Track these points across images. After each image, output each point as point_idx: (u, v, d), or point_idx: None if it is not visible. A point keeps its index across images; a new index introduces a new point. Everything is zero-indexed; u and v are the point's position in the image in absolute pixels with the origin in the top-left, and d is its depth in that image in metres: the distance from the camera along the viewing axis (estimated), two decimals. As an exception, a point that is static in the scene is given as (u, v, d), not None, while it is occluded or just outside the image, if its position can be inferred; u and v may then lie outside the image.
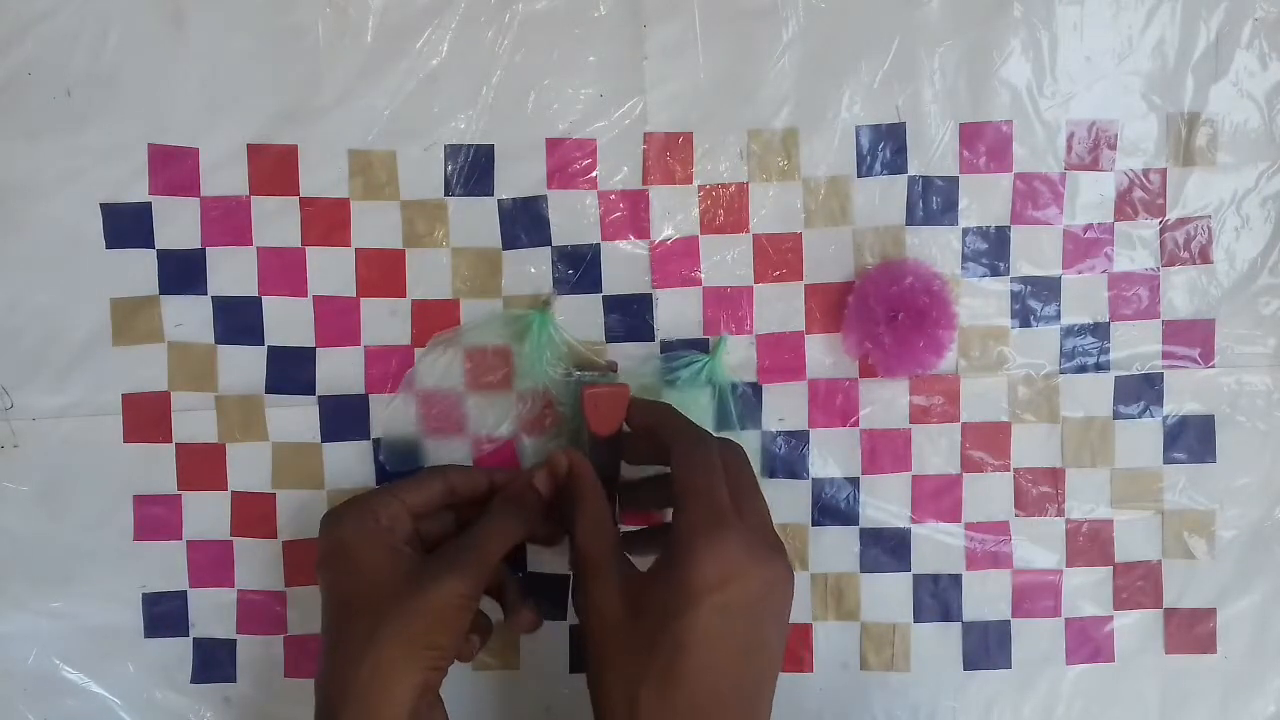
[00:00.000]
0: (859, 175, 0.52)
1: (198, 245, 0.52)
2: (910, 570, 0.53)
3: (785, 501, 0.53)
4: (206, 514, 0.53)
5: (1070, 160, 0.52)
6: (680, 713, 0.39)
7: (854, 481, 0.53)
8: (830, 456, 0.53)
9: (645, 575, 0.42)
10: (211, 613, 0.53)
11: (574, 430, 0.52)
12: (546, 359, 0.52)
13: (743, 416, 0.52)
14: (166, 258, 0.52)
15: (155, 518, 0.53)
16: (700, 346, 0.52)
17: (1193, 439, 0.53)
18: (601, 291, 0.52)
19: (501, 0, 0.51)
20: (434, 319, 0.52)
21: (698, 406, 0.52)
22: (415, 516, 0.46)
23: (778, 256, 0.52)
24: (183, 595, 0.53)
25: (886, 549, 0.53)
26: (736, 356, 0.52)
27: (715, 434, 0.47)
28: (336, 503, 0.52)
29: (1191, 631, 0.54)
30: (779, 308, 0.53)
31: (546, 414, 0.52)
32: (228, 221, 0.52)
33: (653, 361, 0.52)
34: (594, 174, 0.52)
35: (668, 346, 0.52)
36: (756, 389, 0.53)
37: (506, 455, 0.53)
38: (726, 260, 0.52)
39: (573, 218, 0.52)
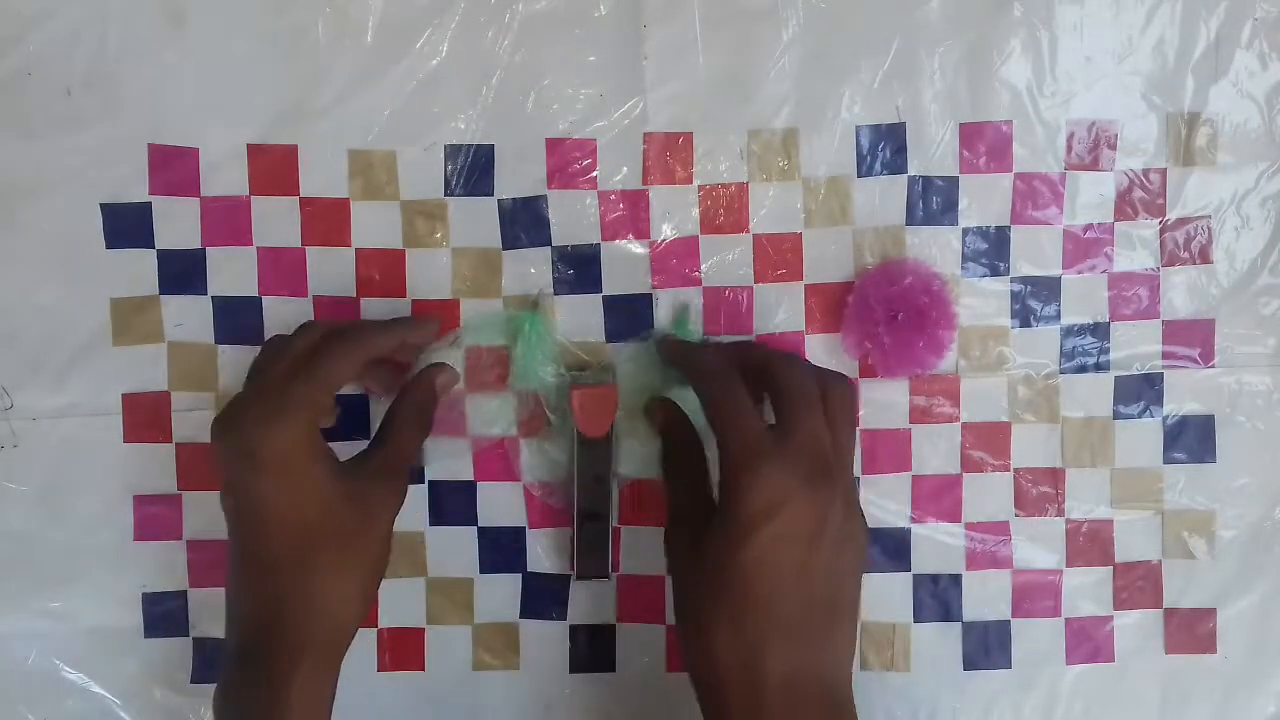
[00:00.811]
0: (859, 175, 0.52)
1: (198, 245, 0.52)
2: (910, 570, 0.53)
3: (785, 501, 0.53)
4: (206, 514, 0.53)
5: (1070, 160, 0.52)
6: (751, 643, 0.40)
7: (854, 481, 0.53)
8: (830, 456, 0.53)
9: (713, 519, 0.42)
10: (211, 613, 0.53)
11: (565, 433, 0.52)
12: (539, 360, 0.51)
13: None
14: (166, 258, 0.52)
15: (155, 518, 0.53)
16: (700, 346, 0.53)
17: (1193, 439, 0.53)
18: (601, 291, 0.52)
19: (501, 0, 0.51)
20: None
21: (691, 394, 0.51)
22: None
23: (778, 256, 0.52)
24: (183, 595, 0.53)
25: (886, 549, 0.53)
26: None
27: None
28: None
29: (1191, 631, 0.54)
30: (779, 308, 0.53)
31: (540, 416, 0.52)
32: (228, 221, 0.52)
33: (635, 356, 0.52)
34: (594, 174, 0.52)
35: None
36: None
37: (504, 458, 0.53)
38: (726, 260, 0.52)
39: (573, 218, 0.52)
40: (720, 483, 0.42)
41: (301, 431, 0.42)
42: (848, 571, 0.43)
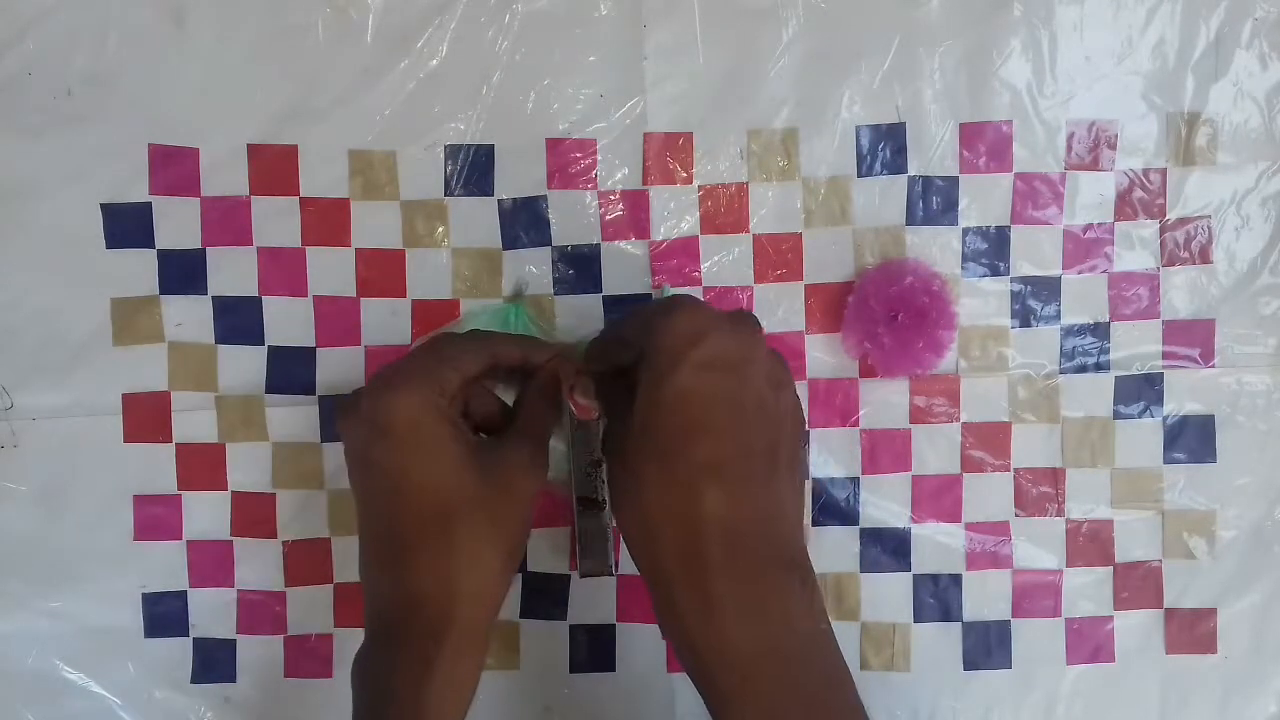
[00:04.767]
0: (859, 175, 0.52)
1: (198, 245, 0.52)
2: (910, 570, 0.53)
3: (785, 501, 0.53)
4: (206, 514, 0.53)
5: (1070, 160, 0.52)
6: (683, 482, 0.37)
7: (854, 481, 0.53)
8: (830, 456, 0.53)
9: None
10: (211, 613, 0.53)
11: (565, 424, 0.52)
12: None
13: None
14: (166, 258, 0.52)
15: (155, 518, 0.53)
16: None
17: (1193, 439, 0.53)
18: (601, 291, 0.52)
19: (501, 0, 0.51)
20: (434, 319, 0.52)
21: None
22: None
23: (778, 256, 0.52)
24: (183, 595, 0.53)
25: (886, 549, 0.53)
26: None
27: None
28: (337, 500, 0.52)
29: (1192, 631, 0.53)
30: (779, 308, 0.53)
31: None
32: (228, 221, 0.52)
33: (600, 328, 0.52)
34: (594, 174, 0.52)
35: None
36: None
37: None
38: (726, 260, 0.52)
39: (573, 218, 0.52)
40: (642, 340, 0.39)
41: (426, 399, 0.40)
42: (784, 416, 0.40)
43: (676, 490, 0.37)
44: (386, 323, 0.52)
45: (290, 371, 0.53)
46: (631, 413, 0.39)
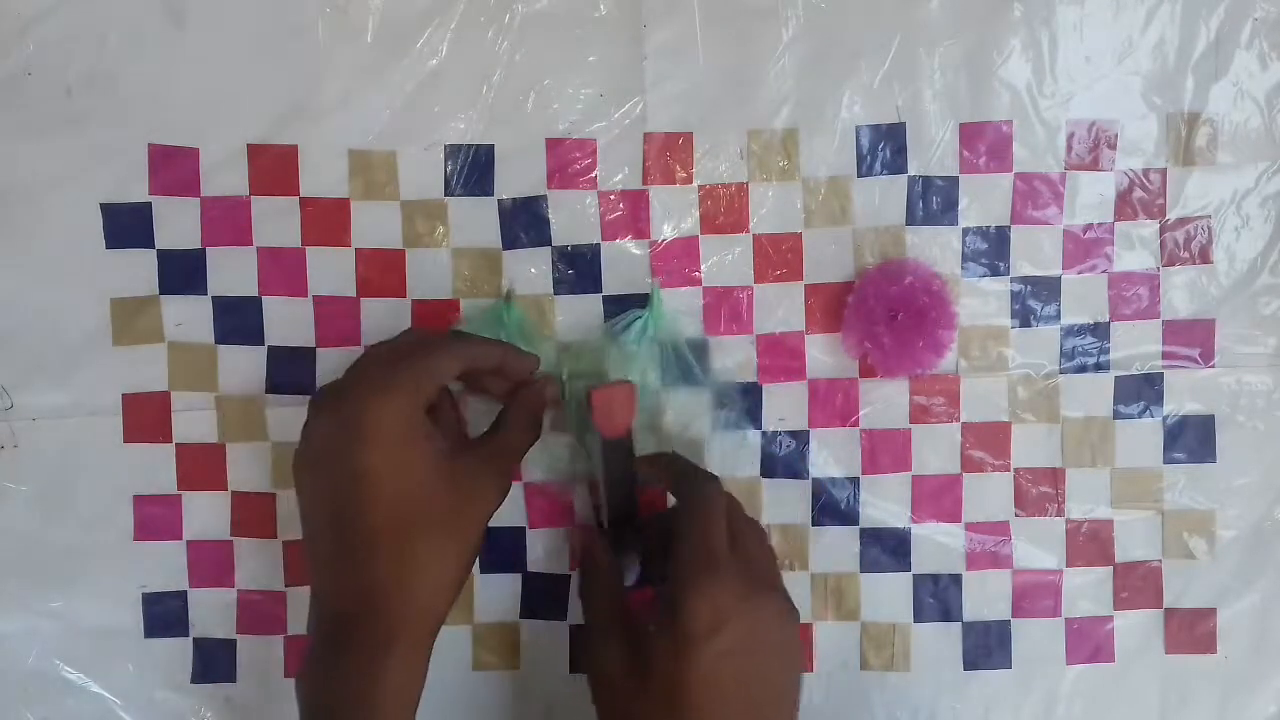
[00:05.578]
0: (859, 175, 0.52)
1: (198, 245, 0.52)
2: (910, 570, 0.53)
3: (785, 501, 0.53)
4: (206, 514, 0.53)
5: (1070, 160, 0.52)
6: None
7: (854, 481, 0.53)
8: (830, 456, 0.53)
9: (647, 629, 0.42)
10: (211, 613, 0.53)
11: (560, 426, 0.52)
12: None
13: (703, 369, 0.52)
14: (166, 258, 0.52)
15: (155, 518, 0.53)
16: (699, 347, 0.52)
17: (1193, 439, 0.53)
18: (601, 292, 0.52)
19: (501, 0, 0.51)
20: (434, 319, 0.52)
21: (641, 362, 0.52)
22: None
23: (778, 256, 0.52)
24: (183, 595, 0.53)
25: (886, 549, 0.53)
26: (681, 304, 0.52)
27: (664, 387, 0.50)
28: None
29: (1191, 631, 0.54)
30: (779, 308, 0.53)
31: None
32: (228, 221, 0.52)
33: (596, 330, 0.52)
34: (594, 174, 0.52)
35: (663, 346, 0.52)
36: (755, 388, 0.53)
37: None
38: (726, 260, 0.52)
39: (573, 218, 0.52)
40: (667, 588, 0.41)
41: (407, 407, 0.41)
42: (788, 684, 0.43)
43: None
44: (386, 323, 0.52)
45: (290, 371, 0.53)
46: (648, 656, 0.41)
